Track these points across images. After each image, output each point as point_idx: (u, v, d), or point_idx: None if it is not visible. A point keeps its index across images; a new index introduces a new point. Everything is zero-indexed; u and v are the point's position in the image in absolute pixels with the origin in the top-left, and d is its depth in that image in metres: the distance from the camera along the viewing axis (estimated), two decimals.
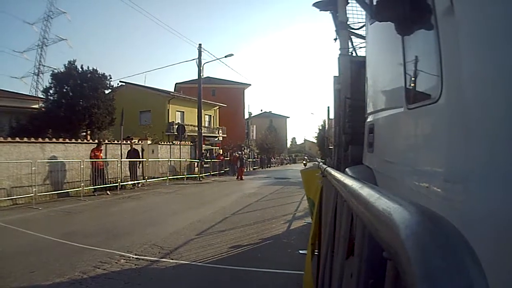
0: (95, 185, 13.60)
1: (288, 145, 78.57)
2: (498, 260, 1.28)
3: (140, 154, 17.77)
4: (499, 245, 1.38)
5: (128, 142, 17.58)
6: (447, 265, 0.45)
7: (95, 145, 14.63)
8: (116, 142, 17.14)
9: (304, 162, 44.70)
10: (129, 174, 16.40)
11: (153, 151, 20.41)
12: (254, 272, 5.10)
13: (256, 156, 44.05)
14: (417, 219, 0.56)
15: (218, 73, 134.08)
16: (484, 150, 1.53)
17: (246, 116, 51.22)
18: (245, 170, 33.84)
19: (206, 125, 37.40)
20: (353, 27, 6.15)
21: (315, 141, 63.31)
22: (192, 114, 30.25)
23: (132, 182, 16.31)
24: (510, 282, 1.33)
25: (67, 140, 14.30)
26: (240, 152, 30.63)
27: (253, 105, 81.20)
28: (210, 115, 40.26)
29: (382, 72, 3.43)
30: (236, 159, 27.81)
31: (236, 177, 24.41)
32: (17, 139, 12.23)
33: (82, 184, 13.14)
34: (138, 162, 16.87)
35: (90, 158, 13.85)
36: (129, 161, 16.34)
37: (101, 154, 14.64)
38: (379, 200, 0.77)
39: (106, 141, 16.73)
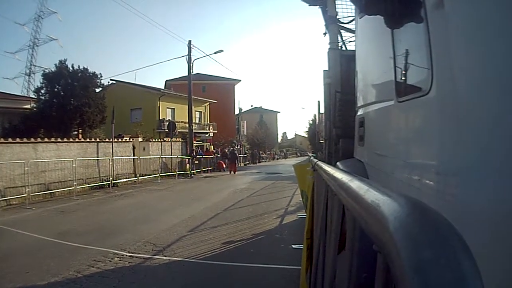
0: None
1: (279, 140, 78.29)
2: (490, 253, 1.28)
3: None
4: (491, 238, 1.38)
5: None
6: (438, 257, 0.43)
7: None
8: (107, 140, 17.09)
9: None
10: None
11: (144, 149, 20.27)
12: (247, 267, 5.11)
13: (247, 151, 43.92)
14: (406, 210, 0.54)
15: (208, 69, 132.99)
16: (476, 142, 1.52)
17: (237, 111, 50.90)
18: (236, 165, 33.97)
19: (197, 121, 37.14)
20: (342, 21, 6.14)
21: (306, 135, 63.40)
22: (183, 111, 29.93)
23: None
24: (503, 275, 1.33)
25: (59, 140, 14.24)
26: (230, 147, 30.45)
27: (243, 100, 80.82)
28: (201, 112, 40.04)
29: (372, 66, 3.43)
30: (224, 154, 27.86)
31: (229, 172, 24.80)
32: (10, 139, 12.12)
33: (74, 183, 13.08)
34: None
35: None
36: None
37: None
38: (368, 192, 0.76)
39: (95, 139, 16.47)
